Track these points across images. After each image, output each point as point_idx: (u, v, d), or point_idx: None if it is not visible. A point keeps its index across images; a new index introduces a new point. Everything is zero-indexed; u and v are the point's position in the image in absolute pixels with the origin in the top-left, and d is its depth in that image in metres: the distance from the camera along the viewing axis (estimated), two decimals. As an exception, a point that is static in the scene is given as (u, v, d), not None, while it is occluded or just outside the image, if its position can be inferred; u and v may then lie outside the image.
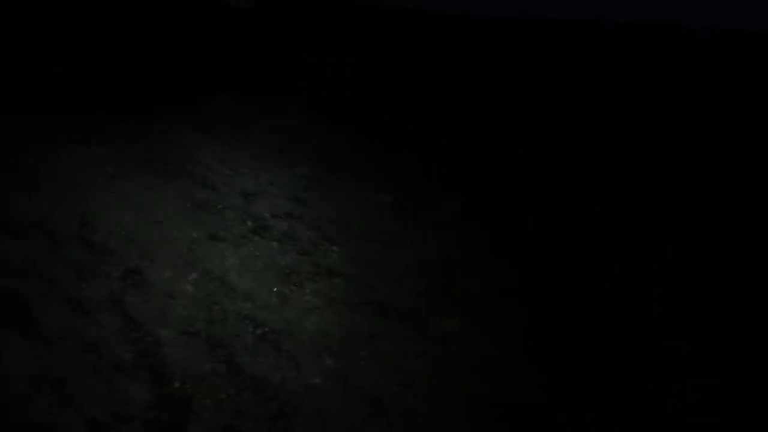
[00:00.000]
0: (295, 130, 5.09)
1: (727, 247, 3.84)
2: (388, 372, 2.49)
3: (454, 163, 5.04)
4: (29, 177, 3.31)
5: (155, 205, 3.34)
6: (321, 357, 2.48)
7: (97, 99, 4.51)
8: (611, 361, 2.91)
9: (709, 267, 3.70)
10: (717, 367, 2.88)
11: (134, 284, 2.63)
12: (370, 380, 2.42)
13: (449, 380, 2.54)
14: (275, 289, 2.86)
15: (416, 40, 6.77)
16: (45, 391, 2.01)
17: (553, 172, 4.84)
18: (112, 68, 4.97)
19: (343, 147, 5.01)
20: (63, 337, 2.25)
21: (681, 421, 2.52)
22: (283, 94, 5.72)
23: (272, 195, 3.85)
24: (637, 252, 3.93)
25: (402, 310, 2.96)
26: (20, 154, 3.48)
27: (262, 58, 6.41)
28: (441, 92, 5.86)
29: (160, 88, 5.05)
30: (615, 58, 6.31)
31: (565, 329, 3.11)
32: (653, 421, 2.51)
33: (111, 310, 2.44)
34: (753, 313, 3.22)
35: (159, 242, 2.98)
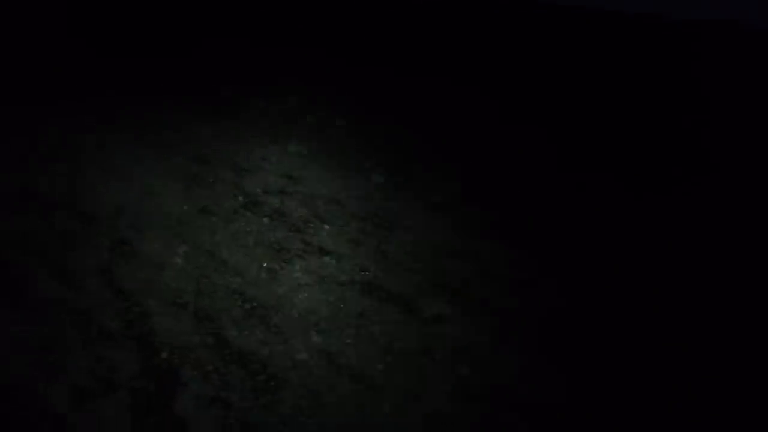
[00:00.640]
0: (292, 109, 5.05)
1: (738, 239, 3.87)
2: (374, 350, 2.51)
3: (453, 147, 5.03)
4: (21, 150, 3.27)
5: (146, 178, 3.32)
6: (308, 333, 2.50)
7: (93, 85, 4.44)
8: (602, 349, 2.94)
9: (715, 261, 3.73)
10: (715, 365, 2.93)
11: (123, 255, 2.62)
12: (356, 358, 2.44)
13: (437, 361, 2.56)
14: (265, 265, 2.86)
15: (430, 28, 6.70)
16: (32, 358, 2.01)
17: (556, 159, 4.84)
18: (108, 57, 4.89)
19: (340, 127, 4.98)
20: (51, 306, 2.25)
21: (680, 416, 2.57)
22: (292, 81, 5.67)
23: (265, 171, 3.83)
24: (636, 238, 3.96)
25: (391, 290, 2.97)
26: (13, 127, 3.43)
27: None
28: (444, 78, 5.82)
29: (160, 74, 4.98)
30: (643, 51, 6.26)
31: (557, 316, 3.14)
32: (645, 403, 2.56)
33: (99, 280, 2.44)
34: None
35: (149, 214, 2.97)
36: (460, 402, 2.36)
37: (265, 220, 3.26)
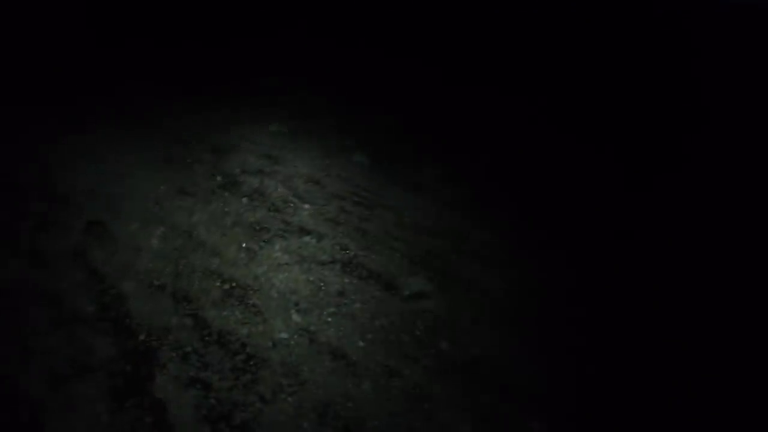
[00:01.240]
0: (274, 89, 4.97)
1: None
2: (355, 328, 2.52)
3: (436, 129, 5.00)
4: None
5: (121, 158, 3.25)
6: (288, 312, 2.49)
7: (70, 72, 4.30)
8: (581, 326, 2.98)
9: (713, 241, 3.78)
10: (712, 360, 2.98)
11: (97, 237, 2.57)
12: (336, 336, 2.44)
13: (417, 337, 2.57)
14: (244, 245, 2.83)
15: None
16: (5, 342, 1.98)
17: (540, 136, 4.84)
18: (87, 47, 4.74)
19: (321, 108, 4.92)
20: (22, 289, 2.20)
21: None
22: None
23: (244, 151, 3.77)
24: (619, 217, 4.00)
25: (372, 268, 2.97)
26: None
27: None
28: (429, 61, 5.76)
29: (137, 62, 4.84)
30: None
31: (536, 294, 3.17)
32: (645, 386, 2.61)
33: (73, 262, 2.39)
34: None
35: (124, 196, 2.91)
36: (441, 377, 2.38)
37: (244, 200, 3.22)
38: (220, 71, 4.93)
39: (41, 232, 2.50)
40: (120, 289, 2.33)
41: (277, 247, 2.90)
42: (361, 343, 2.44)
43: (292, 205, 3.32)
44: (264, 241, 2.92)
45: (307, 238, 3.05)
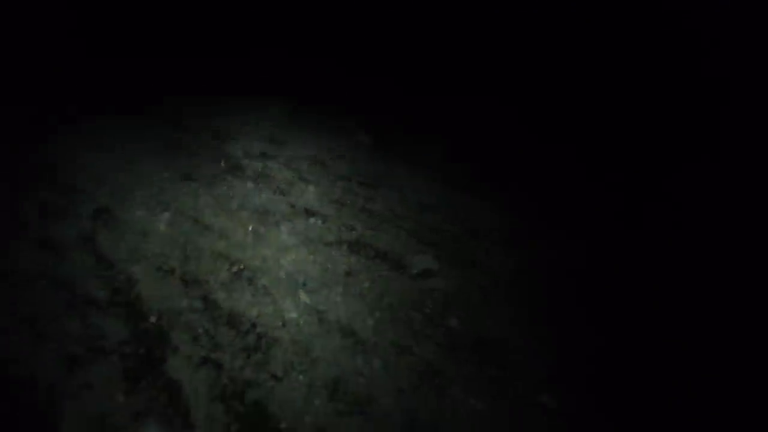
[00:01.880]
0: (273, 68, 4.94)
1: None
2: (364, 307, 2.53)
3: (439, 105, 4.97)
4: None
5: (126, 145, 3.25)
6: (297, 293, 2.51)
7: (76, 67, 4.28)
8: (589, 303, 2.99)
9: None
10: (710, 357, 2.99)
11: (105, 223, 2.59)
12: (345, 315, 2.46)
13: (426, 315, 2.59)
14: (250, 228, 2.84)
15: None
16: (20, 328, 2.00)
17: (541, 123, 4.81)
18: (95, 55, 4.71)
19: (323, 87, 4.89)
20: (34, 275, 2.22)
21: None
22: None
23: (246, 135, 3.77)
24: (624, 198, 3.98)
25: (379, 248, 2.98)
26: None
27: None
28: (431, 38, 5.69)
29: (143, 60, 4.81)
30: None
31: (543, 270, 3.17)
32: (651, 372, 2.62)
33: (82, 248, 2.41)
34: None
35: (130, 182, 2.92)
36: (451, 354, 2.40)
37: (249, 184, 3.23)
38: (218, 58, 4.91)
39: (50, 219, 2.52)
40: (130, 274, 2.35)
41: (283, 229, 2.91)
42: (370, 322, 2.46)
43: (297, 187, 3.32)
44: (270, 224, 2.93)
45: (313, 220, 3.06)
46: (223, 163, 3.35)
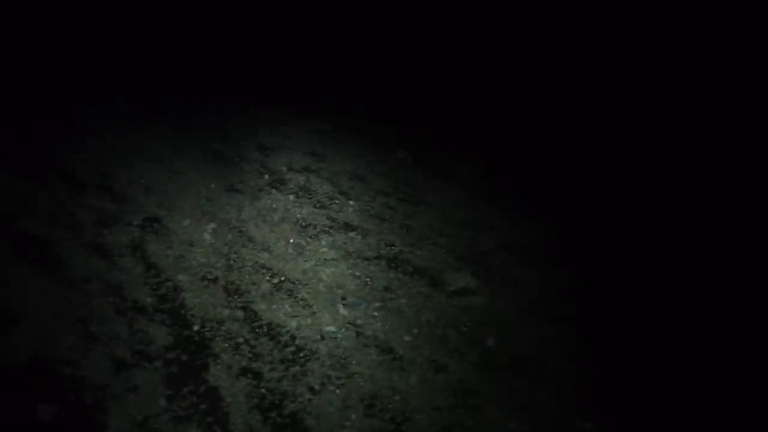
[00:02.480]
0: (314, 88, 5.04)
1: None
2: (401, 323, 2.54)
3: (477, 123, 4.97)
4: (52, 127, 3.34)
5: (174, 156, 3.37)
6: (336, 306, 2.53)
7: (123, 77, 4.47)
8: (628, 320, 2.92)
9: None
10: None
11: (154, 232, 2.68)
12: (383, 330, 2.47)
13: (463, 333, 2.57)
14: (291, 241, 2.89)
15: None
16: (72, 330, 2.09)
17: (579, 142, 4.73)
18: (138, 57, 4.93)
19: (362, 104, 4.96)
20: (87, 280, 2.32)
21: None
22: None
23: (289, 149, 3.85)
24: (658, 215, 3.89)
25: (417, 264, 2.98)
26: (47, 114, 3.50)
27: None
28: (467, 54, 5.70)
29: (184, 69, 5.00)
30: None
31: (581, 289, 3.12)
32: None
33: (132, 256, 2.50)
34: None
35: (177, 192, 3.02)
36: (488, 373, 2.37)
37: (291, 197, 3.29)
38: (262, 74, 5.04)
39: (102, 226, 2.63)
40: (175, 282, 2.43)
41: (323, 243, 2.95)
42: (407, 338, 2.46)
43: (337, 201, 3.37)
44: (311, 237, 2.98)
45: (352, 234, 3.09)
46: (266, 176, 3.43)
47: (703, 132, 4.20)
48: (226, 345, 2.20)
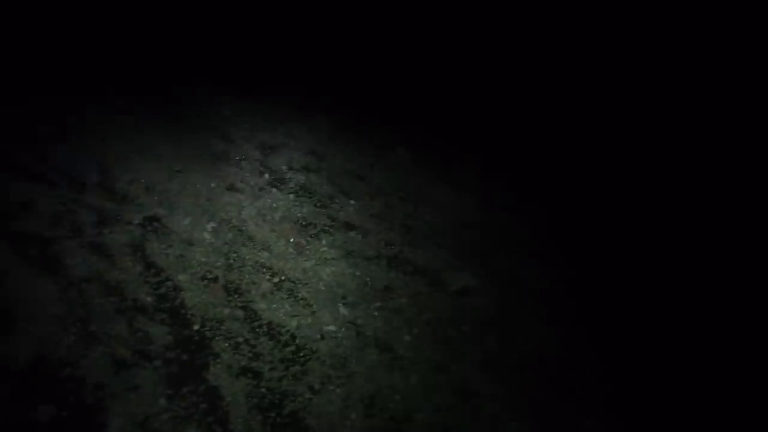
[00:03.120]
0: (314, 88, 5.03)
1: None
2: (401, 322, 2.53)
3: (475, 123, 4.96)
4: (54, 133, 3.34)
5: (174, 156, 3.36)
6: (336, 306, 2.53)
7: (120, 76, 4.46)
8: (628, 319, 2.91)
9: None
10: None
11: (154, 231, 2.68)
12: (383, 330, 2.46)
13: (464, 333, 2.57)
14: (292, 240, 2.89)
15: None
16: (71, 329, 2.09)
17: (574, 141, 4.72)
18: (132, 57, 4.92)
19: (361, 104, 4.95)
20: (87, 280, 2.31)
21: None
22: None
23: (290, 148, 3.84)
24: (647, 216, 3.88)
25: (418, 264, 2.98)
26: (45, 113, 3.50)
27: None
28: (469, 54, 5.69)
29: (184, 67, 4.99)
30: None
31: (584, 288, 3.11)
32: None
33: (132, 255, 2.50)
34: None
35: (178, 191, 3.02)
36: (488, 373, 2.37)
37: (291, 196, 3.29)
38: (260, 73, 5.03)
39: (103, 226, 2.62)
40: (175, 281, 2.42)
41: (324, 242, 2.95)
42: (407, 337, 2.45)
43: (337, 200, 3.37)
44: (311, 236, 2.97)
45: (353, 234, 3.09)
46: (267, 175, 3.43)
47: (694, 133, 4.19)
48: (226, 344, 2.20)
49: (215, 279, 2.50)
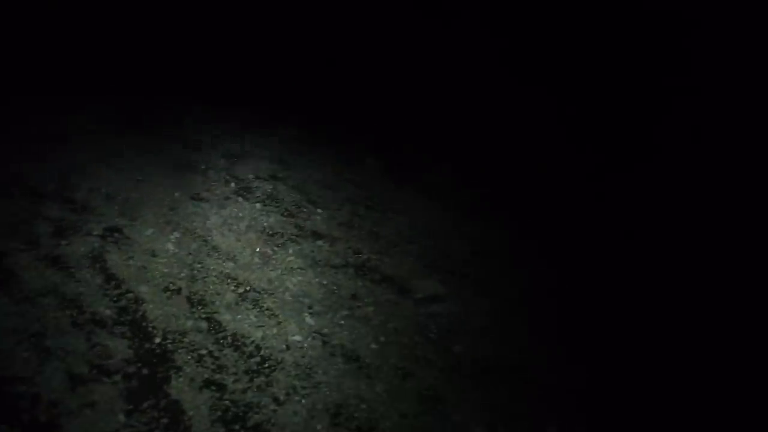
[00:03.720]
0: (283, 97, 5.01)
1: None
2: (368, 331, 2.53)
3: (446, 131, 5.00)
4: (11, 139, 3.24)
5: (137, 164, 3.30)
6: (302, 316, 2.51)
7: (84, 81, 4.36)
8: (596, 328, 2.96)
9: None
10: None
11: (115, 242, 2.61)
12: (349, 339, 2.45)
13: (431, 340, 2.58)
14: (258, 250, 2.86)
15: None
16: (26, 345, 2.02)
17: (550, 140, 4.80)
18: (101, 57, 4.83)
19: (332, 111, 4.95)
20: (42, 293, 2.24)
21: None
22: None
23: (256, 157, 3.81)
24: (625, 217, 3.97)
25: (385, 272, 2.98)
26: (3, 117, 3.40)
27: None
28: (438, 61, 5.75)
29: (150, 74, 4.91)
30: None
31: (549, 295, 3.16)
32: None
33: (91, 267, 2.43)
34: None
35: (140, 201, 2.96)
36: (455, 379, 2.38)
37: (258, 205, 3.26)
38: (229, 80, 4.99)
39: (60, 237, 2.55)
40: (137, 293, 2.37)
41: (290, 251, 2.93)
42: (374, 346, 2.45)
43: (305, 209, 3.35)
44: (277, 246, 2.95)
45: (320, 242, 3.08)
46: (233, 185, 3.39)
47: (669, 131, 4.25)
48: (189, 357, 2.16)
49: (178, 290, 2.45)
